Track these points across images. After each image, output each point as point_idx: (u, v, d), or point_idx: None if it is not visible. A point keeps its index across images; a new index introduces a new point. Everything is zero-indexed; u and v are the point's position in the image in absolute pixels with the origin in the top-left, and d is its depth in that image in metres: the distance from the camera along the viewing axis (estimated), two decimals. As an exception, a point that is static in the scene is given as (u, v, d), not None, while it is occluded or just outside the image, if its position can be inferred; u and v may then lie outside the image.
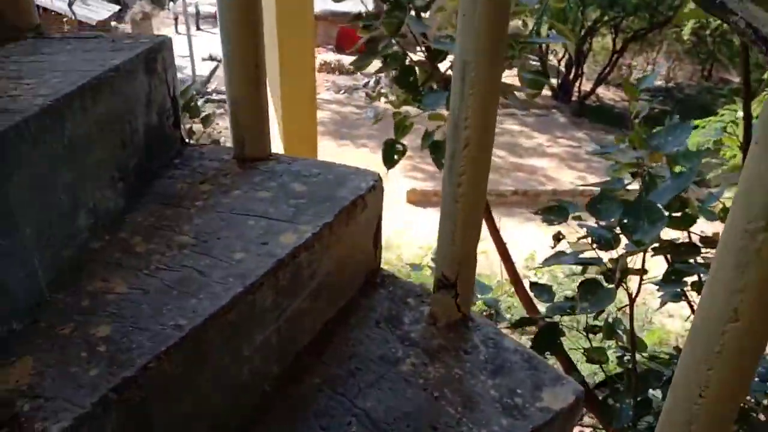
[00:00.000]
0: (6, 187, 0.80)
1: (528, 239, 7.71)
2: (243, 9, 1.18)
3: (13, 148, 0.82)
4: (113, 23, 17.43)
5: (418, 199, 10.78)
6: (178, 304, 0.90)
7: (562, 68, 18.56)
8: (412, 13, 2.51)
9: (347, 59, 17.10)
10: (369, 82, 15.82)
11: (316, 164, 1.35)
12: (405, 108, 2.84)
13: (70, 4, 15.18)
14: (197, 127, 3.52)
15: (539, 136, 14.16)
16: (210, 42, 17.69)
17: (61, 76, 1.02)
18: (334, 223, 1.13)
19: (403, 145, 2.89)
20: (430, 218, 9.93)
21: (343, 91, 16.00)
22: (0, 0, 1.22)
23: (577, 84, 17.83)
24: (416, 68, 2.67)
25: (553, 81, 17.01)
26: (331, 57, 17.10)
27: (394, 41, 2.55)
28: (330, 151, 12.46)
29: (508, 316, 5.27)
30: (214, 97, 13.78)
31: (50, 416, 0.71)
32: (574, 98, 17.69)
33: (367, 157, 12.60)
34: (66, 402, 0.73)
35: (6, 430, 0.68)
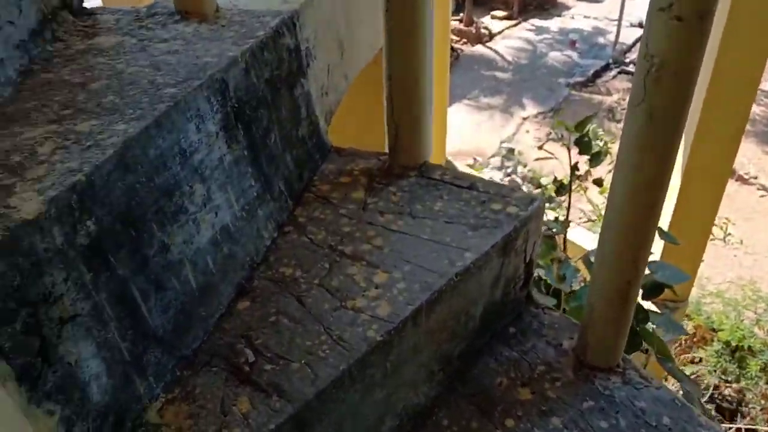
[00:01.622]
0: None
1: None
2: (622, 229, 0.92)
3: (328, 399, 0.83)
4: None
5: None
6: None
7: None
8: None
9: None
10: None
11: (673, 406, 1.03)
12: None
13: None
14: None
15: None
16: (644, 6, 16.14)
17: (408, 277, 0.99)
18: None
19: None
20: None
21: (796, 80, 12.66)
22: (399, 143, 1.26)
23: None
24: None
25: None
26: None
27: None
28: (746, 156, 10.22)
29: None
30: (630, 68, 12.78)
31: None
32: None
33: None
34: None
35: None
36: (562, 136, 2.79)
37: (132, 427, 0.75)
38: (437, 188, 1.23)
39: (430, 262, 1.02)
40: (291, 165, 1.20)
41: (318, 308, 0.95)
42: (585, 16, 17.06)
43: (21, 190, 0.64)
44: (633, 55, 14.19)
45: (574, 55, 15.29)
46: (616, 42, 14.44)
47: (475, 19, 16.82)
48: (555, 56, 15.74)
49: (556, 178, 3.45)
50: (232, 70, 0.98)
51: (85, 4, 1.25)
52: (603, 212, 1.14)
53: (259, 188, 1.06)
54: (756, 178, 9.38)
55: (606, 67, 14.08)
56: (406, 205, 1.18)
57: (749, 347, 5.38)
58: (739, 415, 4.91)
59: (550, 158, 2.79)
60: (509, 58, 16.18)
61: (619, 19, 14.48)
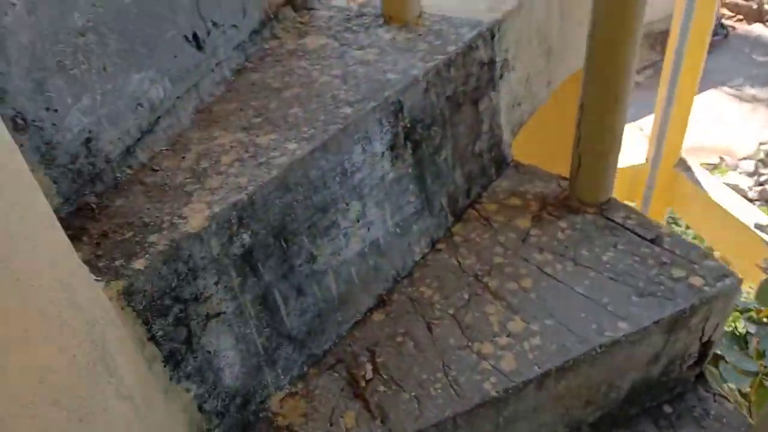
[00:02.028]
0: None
1: None
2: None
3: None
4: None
5: None
6: None
7: None
8: None
9: None
10: None
11: None
12: None
13: None
14: None
15: None
16: None
17: (546, 334, 0.92)
18: None
19: None
20: None
21: None
22: (580, 176, 1.16)
23: None
24: None
25: None
26: None
27: None
28: None
29: None
30: None
31: None
32: None
33: None
34: None
35: None
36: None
37: (255, 409, 0.86)
38: (614, 233, 1.11)
39: (575, 323, 0.94)
40: (459, 181, 1.18)
41: (444, 341, 0.95)
42: None
43: (196, 199, 0.76)
44: None
45: None
46: None
47: (760, -10, 14.07)
48: None
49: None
50: (410, 90, 0.99)
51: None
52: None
53: (418, 204, 1.08)
54: None
55: None
56: (571, 247, 1.09)
57: None
58: None
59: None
60: (797, 42, 13.29)
61: None
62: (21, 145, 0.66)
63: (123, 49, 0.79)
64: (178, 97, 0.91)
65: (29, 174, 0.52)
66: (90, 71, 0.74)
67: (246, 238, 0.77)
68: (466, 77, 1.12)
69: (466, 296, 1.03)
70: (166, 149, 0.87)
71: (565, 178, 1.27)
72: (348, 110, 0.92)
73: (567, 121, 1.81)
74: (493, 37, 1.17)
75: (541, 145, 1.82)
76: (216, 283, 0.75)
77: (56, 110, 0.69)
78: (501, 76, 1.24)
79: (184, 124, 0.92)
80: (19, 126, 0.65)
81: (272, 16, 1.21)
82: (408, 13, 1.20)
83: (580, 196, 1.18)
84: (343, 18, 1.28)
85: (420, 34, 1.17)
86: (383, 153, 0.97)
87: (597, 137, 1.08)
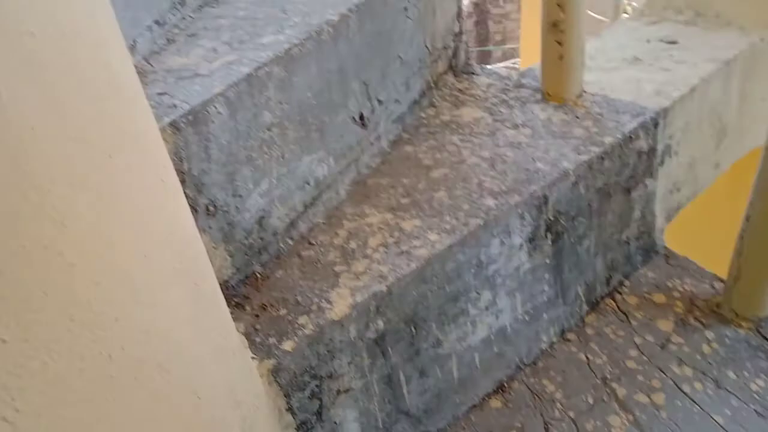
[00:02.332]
0: None
1: None
2: None
3: None
4: None
5: None
6: None
7: None
8: None
9: None
10: None
11: None
12: None
13: None
14: None
15: None
16: None
17: None
18: None
19: None
20: None
21: None
22: (737, 288, 1.06)
23: None
24: None
25: None
26: None
27: None
28: None
29: None
30: None
31: None
32: None
33: None
34: None
35: None
36: None
37: (368, 475, 0.93)
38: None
39: (707, 457, 0.88)
40: (599, 269, 1.15)
41: (559, 445, 0.94)
42: None
43: (342, 283, 0.84)
44: None
45: None
46: None
47: None
48: None
49: None
50: (558, 185, 0.99)
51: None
52: None
53: (552, 293, 1.07)
54: None
55: None
56: (715, 366, 1.02)
57: None
58: None
59: None
60: None
61: None
62: (209, 227, 0.78)
63: (299, 136, 0.89)
64: (339, 172, 1.01)
65: (210, 266, 0.63)
66: (270, 160, 0.85)
67: (380, 324, 0.84)
68: (620, 167, 1.09)
69: (591, 400, 1.00)
70: (323, 222, 0.97)
71: (721, 280, 1.18)
72: (491, 203, 0.95)
73: (735, 205, 1.66)
74: (656, 126, 1.12)
75: (701, 230, 1.68)
76: (349, 363, 0.82)
77: (240, 195, 0.81)
78: (661, 163, 1.18)
79: (341, 197, 1.02)
80: (210, 212, 0.77)
81: (433, 84, 1.27)
82: (568, 92, 1.19)
83: (735, 306, 1.09)
84: (501, 88, 1.30)
85: (577, 117, 1.15)
86: (521, 245, 0.98)
87: (762, 256, 0.99)
